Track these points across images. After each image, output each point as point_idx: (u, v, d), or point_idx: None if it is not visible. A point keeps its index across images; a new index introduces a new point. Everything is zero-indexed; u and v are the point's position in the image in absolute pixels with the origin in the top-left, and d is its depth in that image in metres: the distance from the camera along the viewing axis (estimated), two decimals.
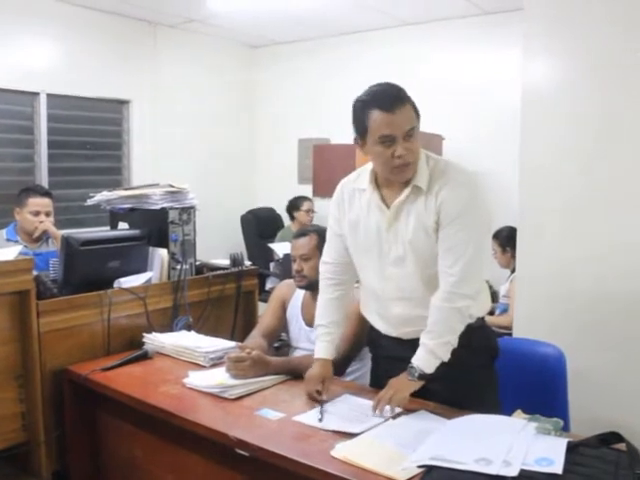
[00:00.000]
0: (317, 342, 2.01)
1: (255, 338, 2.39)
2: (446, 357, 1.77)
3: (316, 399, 1.88)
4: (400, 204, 1.84)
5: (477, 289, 1.85)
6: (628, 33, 2.54)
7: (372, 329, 2.06)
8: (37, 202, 3.20)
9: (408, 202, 1.83)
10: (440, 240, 1.80)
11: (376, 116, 1.75)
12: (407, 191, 1.82)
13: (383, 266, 1.90)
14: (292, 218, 5.46)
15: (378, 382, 2.06)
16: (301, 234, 2.45)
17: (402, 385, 1.78)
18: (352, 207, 1.95)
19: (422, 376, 1.77)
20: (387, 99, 1.74)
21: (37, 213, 3.19)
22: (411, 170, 1.81)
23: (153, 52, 5.60)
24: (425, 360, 1.77)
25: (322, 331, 2.01)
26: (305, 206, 5.42)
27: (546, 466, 1.31)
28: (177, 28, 5.69)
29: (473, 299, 1.80)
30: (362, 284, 2.04)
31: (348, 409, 1.83)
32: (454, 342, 1.78)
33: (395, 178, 1.84)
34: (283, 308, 2.54)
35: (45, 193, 3.30)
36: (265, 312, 2.56)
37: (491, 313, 3.48)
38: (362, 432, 1.65)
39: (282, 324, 2.54)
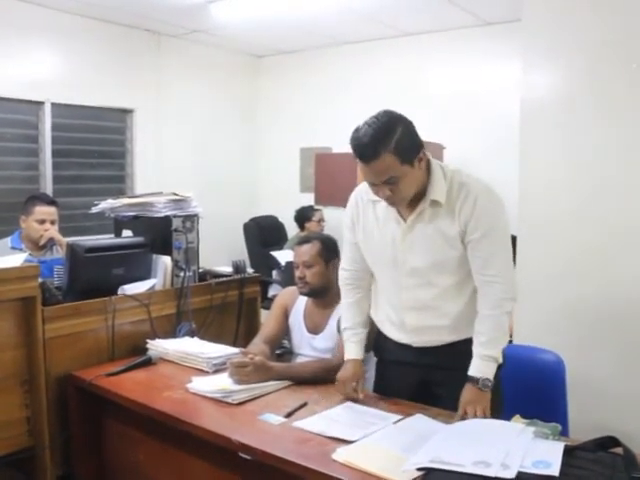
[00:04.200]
0: (346, 344, 2.04)
1: (257, 345, 2.41)
2: (501, 358, 1.82)
3: (354, 397, 1.93)
4: (417, 217, 1.84)
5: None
6: (626, 45, 2.58)
7: (379, 333, 2.07)
8: (43, 210, 3.22)
9: (426, 215, 1.83)
10: (475, 251, 1.80)
11: (358, 162, 1.77)
12: (424, 205, 1.83)
13: (399, 276, 1.91)
14: (302, 228, 5.42)
15: (382, 387, 2.08)
16: (304, 241, 2.48)
17: (479, 398, 1.76)
18: (367, 217, 1.95)
19: (489, 383, 1.78)
20: (362, 152, 1.71)
21: (43, 221, 3.20)
22: (402, 204, 1.83)
23: (157, 62, 5.65)
24: (489, 368, 1.79)
25: (349, 333, 2.04)
26: (316, 216, 5.44)
27: (543, 469, 1.33)
28: (181, 38, 5.74)
29: (516, 299, 1.85)
30: (377, 290, 2.05)
31: (349, 416, 1.84)
32: (507, 342, 1.84)
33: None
34: (285, 315, 2.56)
35: (51, 202, 3.31)
36: (267, 319, 2.58)
37: None
38: (360, 439, 1.65)
39: (284, 331, 2.56)
